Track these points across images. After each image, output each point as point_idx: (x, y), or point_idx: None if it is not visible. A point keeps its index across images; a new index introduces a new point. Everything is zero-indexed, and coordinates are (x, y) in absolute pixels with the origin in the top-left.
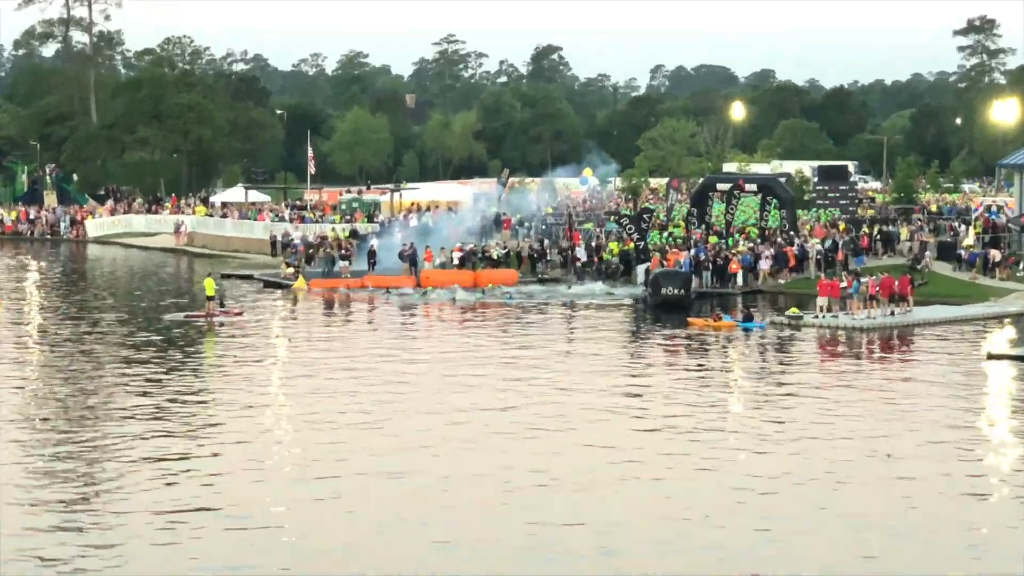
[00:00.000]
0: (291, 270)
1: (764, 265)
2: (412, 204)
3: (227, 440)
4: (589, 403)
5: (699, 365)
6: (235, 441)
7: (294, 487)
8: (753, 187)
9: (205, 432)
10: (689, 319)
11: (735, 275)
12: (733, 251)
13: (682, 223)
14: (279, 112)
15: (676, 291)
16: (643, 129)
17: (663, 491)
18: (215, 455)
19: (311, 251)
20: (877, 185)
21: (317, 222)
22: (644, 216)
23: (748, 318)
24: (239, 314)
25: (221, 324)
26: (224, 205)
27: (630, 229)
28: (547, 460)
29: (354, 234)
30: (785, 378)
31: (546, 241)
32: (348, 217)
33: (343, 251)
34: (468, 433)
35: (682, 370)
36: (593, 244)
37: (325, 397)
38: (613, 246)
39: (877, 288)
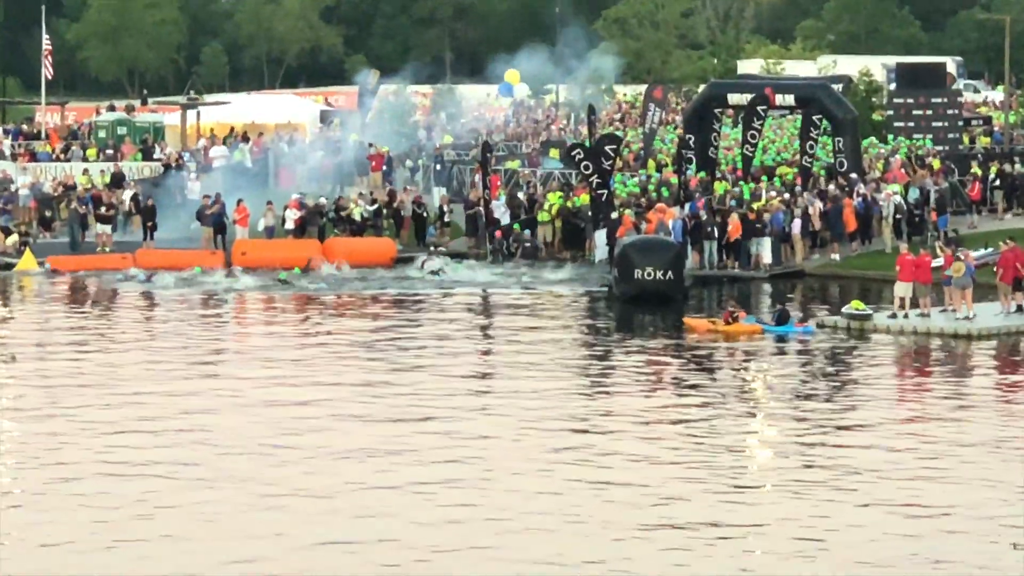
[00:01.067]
0: (14, 239)
1: (795, 229)
2: (215, 130)
3: None
4: (533, 489)
5: (704, 404)
6: None
7: None
8: (789, 100)
9: None
10: (685, 321)
11: (752, 244)
12: (752, 206)
13: (670, 161)
14: None
15: (660, 274)
16: (604, 5)
17: None
18: None
19: (48, 210)
20: (994, 96)
21: (58, 160)
22: (607, 149)
23: (783, 318)
24: None
25: None
26: None
27: (585, 169)
28: None
29: (119, 180)
30: (846, 418)
31: (442, 190)
32: (110, 152)
33: (102, 209)
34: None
35: (677, 421)
36: (522, 196)
37: (69, 460)
38: (553, 198)
39: (995, 269)
